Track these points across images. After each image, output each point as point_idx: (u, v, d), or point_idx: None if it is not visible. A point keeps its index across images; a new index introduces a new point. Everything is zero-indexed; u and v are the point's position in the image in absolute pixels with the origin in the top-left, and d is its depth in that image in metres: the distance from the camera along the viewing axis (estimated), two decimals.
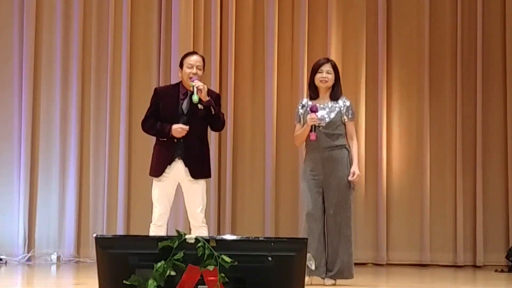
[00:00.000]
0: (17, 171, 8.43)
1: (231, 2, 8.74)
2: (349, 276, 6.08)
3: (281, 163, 8.69)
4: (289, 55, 8.80)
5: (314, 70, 6.18)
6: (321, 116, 6.06)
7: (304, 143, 6.21)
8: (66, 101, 8.58)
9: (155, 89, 6.20)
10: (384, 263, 8.62)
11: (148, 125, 6.00)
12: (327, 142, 6.06)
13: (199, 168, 5.91)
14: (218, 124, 5.98)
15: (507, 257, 8.38)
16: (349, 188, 6.07)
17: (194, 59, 5.93)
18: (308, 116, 6.02)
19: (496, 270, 8.20)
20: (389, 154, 8.78)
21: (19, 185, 8.41)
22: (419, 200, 8.70)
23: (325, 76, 6.11)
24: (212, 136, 8.43)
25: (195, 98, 5.69)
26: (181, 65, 5.96)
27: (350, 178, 6.02)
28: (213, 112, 5.83)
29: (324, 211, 6.10)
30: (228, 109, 8.63)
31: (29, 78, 8.50)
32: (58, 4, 8.60)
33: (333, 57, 8.71)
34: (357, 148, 6.23)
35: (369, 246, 8.68)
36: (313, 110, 6.00)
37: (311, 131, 5.96)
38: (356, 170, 6.05)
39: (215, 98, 5.97)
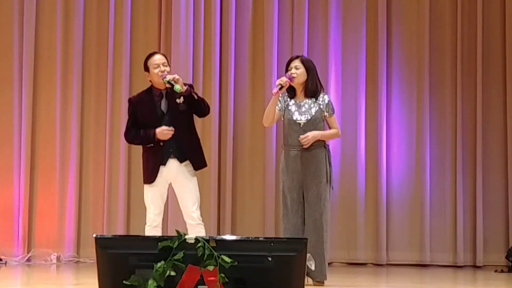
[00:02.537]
0: (17, 171, 8.44)
1: (231, 2, 8.74)
2: (322, 278, 5.98)
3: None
4: (289, 55, 8.78)
5: (286, 69, 6.15)
6: (300, 117, 6.04)
7: (282, 139, 6.17)
8: (66, 101, 8.58)
9: (129, 99, 6.15)
10: (384, 263, 8.61)
11: (132, 135, 5.99)
12: None
13: (196, 160, 5.92)
14: (204, 108, 5.93)
15: (507, 257, 8.37)
16: (327, 188, 6.01)
17: (158, 58, 5.93)
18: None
19: (496, 270, 8.20)
20: (389, 154, 8.77)
21: (19, 185, 8.41)
22: (419, 200, 8.70)
23: (293, 72, 6.08)
24: (213, 136, 8.45)
25: (177, 87, 5.66)
26: (146, 69, 5.94)
27: (301, 136, 5.93)
28: (196, 98, 5.82)
29: (304, 211, 6.04)
30: (228, 110, 8.63)
31: (29, 78, 8.50)
32: (58, 4, 8.61)
33: (332, 57, 8.75)
34: (333, 134, 6.13)
35: (369, 246, 8.67)
36: (289, 77, 5.99)
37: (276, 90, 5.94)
38: (313, 134, 5.93)
39: (190, 86, 5.95)
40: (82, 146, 8.61)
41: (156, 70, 5.85)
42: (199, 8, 8.70)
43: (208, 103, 6.02)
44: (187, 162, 5.90)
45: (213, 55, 8.61)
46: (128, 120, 6.03)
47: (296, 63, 6.10)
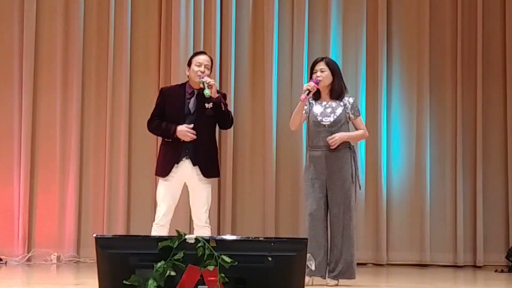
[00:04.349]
0: (17, 171, 8.43)
1: (231, 2, 8.74)
2: (352, 276, 6.06)
3: (281, 163, 8.69)
4: (289, 55, 8.80)
5: (311, 70, 6.18)
6: (325, 119, 6.07)
7: (307, 141, 6.20)
8: (66, 101, 8.58)
9: (161, 89, 6.24)
10: (384, 263, 8.61)
11: (154, 125, 6.01)
12: None
13: (208, 167, 5.93)
14: (227, 121, 6.01)
15: (507, 257, 8.37)
16: (353, 188, 6.04)
17: (203, 58, 5.98)
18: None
19: (496, 270, 8.20)
20: (389, 154, 8.77)
21: (19, 185, 8.40)
22: (419, 200, 8.70)
23: (318, 75, 6.09)
24: None
25: (206, 92, 5.71)
26: (189, 64, 5.99)
27: (328, 138, 5.97)
28: (223, 108, 5.86)
29: (327, 211, 6.09)
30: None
31: (29, 78, 8.50)
32: (58, 4, 8.60)
33: (333, 57, 8.73)
34: (361, 135, 6.19)
35: (369, 246, 8.67)
36: (316, 82, 6.02)
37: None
38: (340, 135, 5.97)
39: (222, 96, 6.00)
40: (82, 146, 8.61)
41: (197, 69, 5.88)
42: (199, 8, 8.70)
43: (233, 118, 6.08)
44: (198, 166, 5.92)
45: (213, 55, 8.61)
46: (155, 108, 6.07)
47: (322, 65, 6.12)
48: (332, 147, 5.98)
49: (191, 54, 8.50)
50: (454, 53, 8.81)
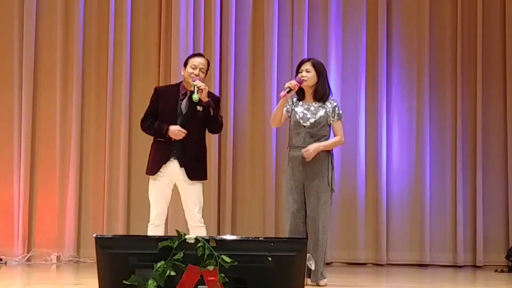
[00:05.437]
0: (17, 171, 8.44)
1: (231, 2, 8.74)
2: (317, 278, 6.00)
3: (281, 163, 8.66)
4: (289, 55, 8.80)
5: (297, 70, 6.18)
6: (305, 120, 6.06)
7: (288, 140, 6.20)
8: (66, 101, 8.59)
9: (155, 88, 6.25)
10: (384, 263, 8.61)
11: (147, 124, 6.04)
12: (310, 142, 6.03)
13: (194, 170, 5.93)
14: (216, 126, 6.01)
15: (507, 257, 8.37)
16: (328, 191, 6.02)
17: (198, 60, 5.98)
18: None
19: (496, 270, 8.20)
20: (389, 154, 8.77)
21: (19, 185, 8.41)
22: (419, 200, 8.69)
23: (304, 75, 6.08)
24: (213, 136, 8.44)
25: (195, 96, 5.73)
26: (185, 65, 6.00)
27: (303, 150, 5.95)
28: (211, 113, 5.86)
29: (306, 211, 6.08)
30: (228, 110, 8.63)
31: (29, 78, 8.50)
32: (58, 4, 8.61)
33: (333, 57, 8.74)
34: (336, 142, 6.14)
35: (369, 246, 8.67)
36: (299, 81, 6.01)
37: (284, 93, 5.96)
38: (315, 146, 5.95)
39: (215, 100, 6.01)
40: (82, 146, 8.61)
41: (191, 70, 5.90)
42: (199, 8, 8.70)
43: (223, 123, 6.08)
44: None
45: (213, 55, 8.61)
46: (148, 107, 6.10)
47: (307, 66, 6.11)
48: (307, 160, 5.97)
49: (191, 53, 8.58)
50: (454, 53, 8.80)
